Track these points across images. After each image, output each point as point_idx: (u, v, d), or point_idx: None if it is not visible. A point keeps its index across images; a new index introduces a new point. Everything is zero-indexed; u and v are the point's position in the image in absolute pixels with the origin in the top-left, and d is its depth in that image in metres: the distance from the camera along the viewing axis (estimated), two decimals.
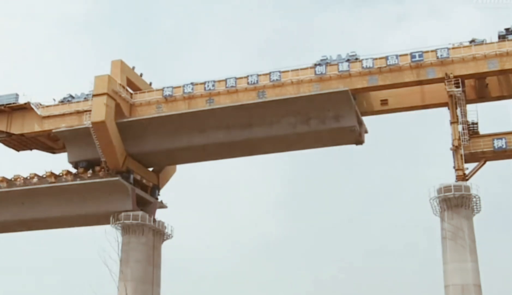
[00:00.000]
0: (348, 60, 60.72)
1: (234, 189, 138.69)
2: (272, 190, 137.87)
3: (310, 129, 61.11)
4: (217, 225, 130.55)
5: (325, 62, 61.17)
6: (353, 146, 64.18)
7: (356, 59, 60.79)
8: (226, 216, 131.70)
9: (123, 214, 64.78)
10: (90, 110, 64.32)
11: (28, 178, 69.97)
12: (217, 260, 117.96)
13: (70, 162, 68.67)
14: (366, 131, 63.04)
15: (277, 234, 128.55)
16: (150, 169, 71.46)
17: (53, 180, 68.55)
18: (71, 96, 69.16)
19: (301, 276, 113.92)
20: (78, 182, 67.25)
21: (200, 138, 64.24)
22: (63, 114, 67.86)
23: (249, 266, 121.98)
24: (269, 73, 62.41)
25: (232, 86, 63.24)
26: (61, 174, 68.68)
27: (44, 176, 68.99)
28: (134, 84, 68.21)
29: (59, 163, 73.61)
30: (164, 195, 72.34)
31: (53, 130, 67.21)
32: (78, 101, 68.39)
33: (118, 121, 64.76)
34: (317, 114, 60.46)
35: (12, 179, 70.33)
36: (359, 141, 62.59)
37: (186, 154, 67.52)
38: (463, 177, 56.48)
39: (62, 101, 69.24)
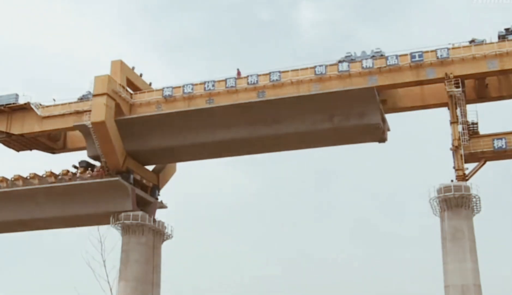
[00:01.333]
0: (373, 57, 59.74)
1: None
2: None
3: (333, 126, 60.25)
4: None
5: (349, 59, 60.20)
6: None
7: (382, 55, 59.63)
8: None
9: (123, 214, 64.77)
10: (90, 111, 64.33)
11: (28, 178, 69.93)
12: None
13: (90, 156, 67.73)
14: (388, 129, 61.99)
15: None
16: (150, 169, 71.46)
17: (53, 180, 68.58)
18: (90, 93, 67.45)
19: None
20: (78, 182, 67.29)
21: (220, 135, 63.21)
22: (63, 115, 67.82)
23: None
24: (269, 73, 62.35)
25: (232, 86, 63.17)
26: (60, 175, 68.61)
27: (44, 176, 68.94)
28: (134, 84, 68.20)
29: (59, 163, 73.71)
30: (164, 195, 72.57)
31: (74, 124, 66.06)
32: (78, 101, 68.35)
33: (117, 118, 64.53)
34: (341, 112, 59.45)
35: (12, 179, 70.29)
36: (382, 139, 61.51)
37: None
38: (463, 177, 56.41)
39: (81, 99, 68.24)
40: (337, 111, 59.66)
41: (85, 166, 67.97)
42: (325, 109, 59.81)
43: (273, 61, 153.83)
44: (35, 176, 69.60)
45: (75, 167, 69.02)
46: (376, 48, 60.84)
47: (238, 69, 64.75)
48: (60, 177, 68.62)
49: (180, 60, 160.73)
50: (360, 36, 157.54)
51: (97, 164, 68.07)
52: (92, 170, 67.06)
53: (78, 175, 67.94)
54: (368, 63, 59.68)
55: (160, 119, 64.58)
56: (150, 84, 70.18)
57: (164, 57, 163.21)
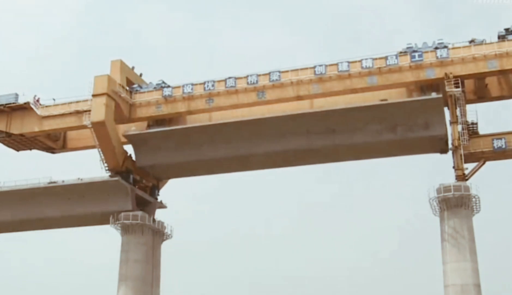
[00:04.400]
0: (436, 48, 58.65)
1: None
2: None
3: (396, 138, 59.35)
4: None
5: (411, 50, 59.14)
6: None
7: (445, 46, 58.50)
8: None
9: (122, 214, 64.84)
10: (89, 110, 64.34)
11: None
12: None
13: (140, 167, 67.76)
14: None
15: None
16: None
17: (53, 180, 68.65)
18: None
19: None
20: (78, 182, 67.40)
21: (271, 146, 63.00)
22: (63, 114, 67.74)
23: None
24: (269, 73, 62.26)
25: (231, 87, 63.10)
26: None
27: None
28: (133, 84, 68.12)
29: (59, 163, 73.63)
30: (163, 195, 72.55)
31: (123, 134, 66.29)
32: (78, 101, 68.34)
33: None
34: (405, 122, 58.65)
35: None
36: (444, 150, 60.56)
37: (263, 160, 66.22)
38: (463, 177, 56.44)
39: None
40: (401, 121, 58.72)
41: None
42: (388, 119, 59.00)
43: None
44: None
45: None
46: (439, 39, 59.50)
47: None
48: None
49: None
50: None
51: None
52: None
53: None
54: (368, 63, 59.59)
55: (182, 133, 64.17)
56: (141, 75, 69.94)
57: None
